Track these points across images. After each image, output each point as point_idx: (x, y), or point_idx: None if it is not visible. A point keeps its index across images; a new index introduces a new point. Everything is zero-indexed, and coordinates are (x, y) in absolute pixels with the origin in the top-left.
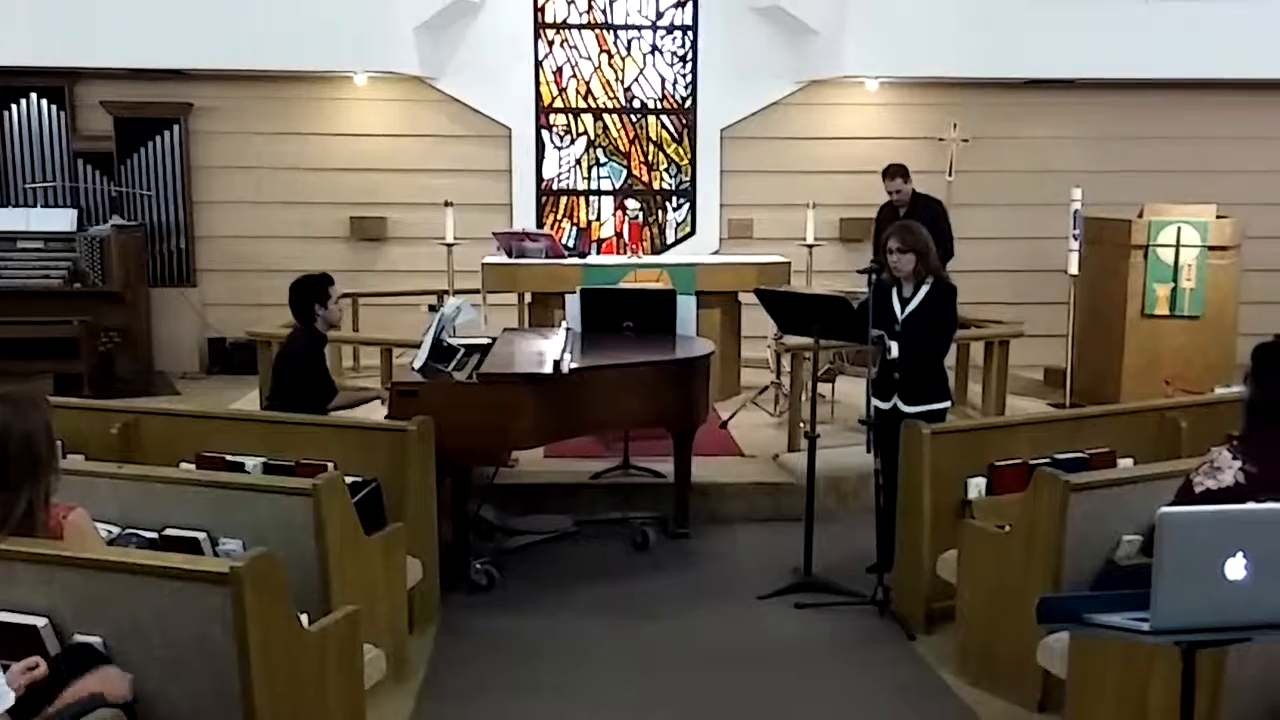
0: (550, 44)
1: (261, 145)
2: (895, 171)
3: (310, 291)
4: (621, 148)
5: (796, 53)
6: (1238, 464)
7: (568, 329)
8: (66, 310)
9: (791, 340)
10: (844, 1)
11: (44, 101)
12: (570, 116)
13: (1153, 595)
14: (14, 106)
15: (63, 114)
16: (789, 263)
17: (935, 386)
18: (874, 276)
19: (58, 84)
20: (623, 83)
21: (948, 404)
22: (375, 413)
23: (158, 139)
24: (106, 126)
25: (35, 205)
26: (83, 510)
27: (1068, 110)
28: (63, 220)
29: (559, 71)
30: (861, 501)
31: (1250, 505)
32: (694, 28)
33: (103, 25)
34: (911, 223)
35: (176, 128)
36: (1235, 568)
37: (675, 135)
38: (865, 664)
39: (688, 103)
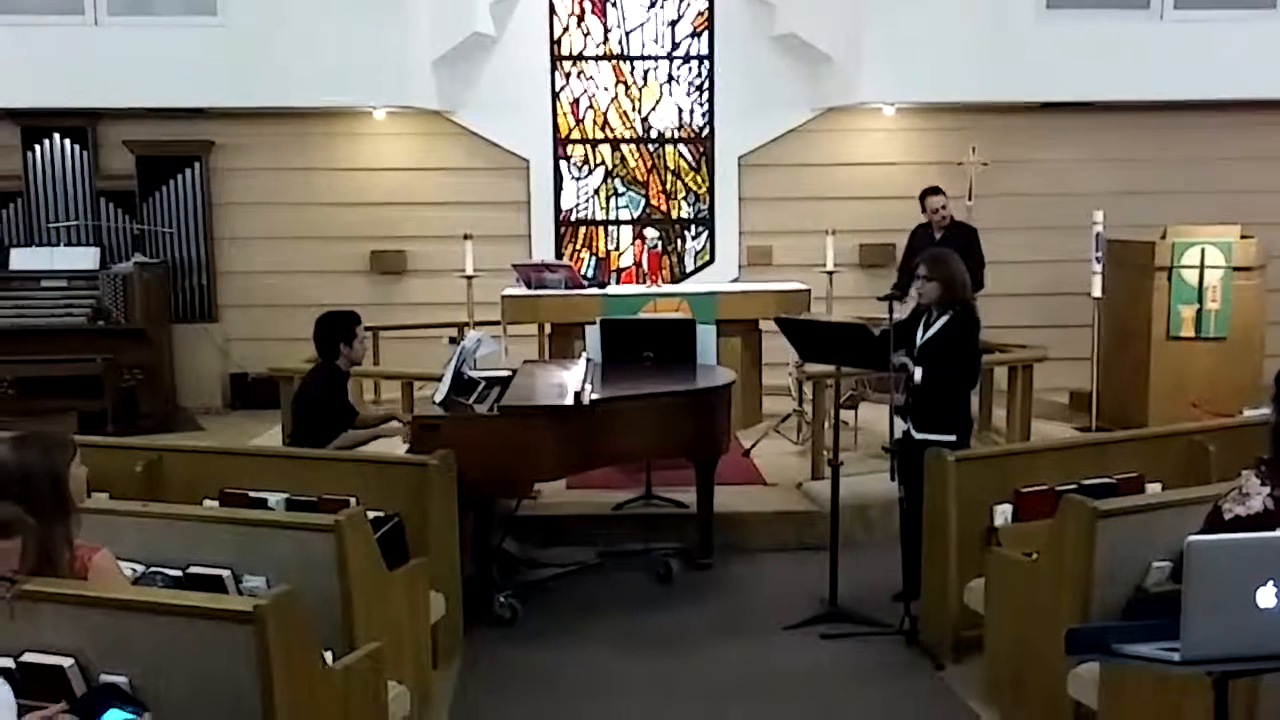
0: (567, 76)
1: (282, 181)
2: (934, 190)
3: (337, 329)
4: (639, 177)
5: (813, 80)
6: (1266, 490)
7: (588, 360)
8: (90, 348)
9: (813, 368)
10: (860, 29)
11: (67, 141)
12: (588, 147)
13: (1182, 625)
14: (38, 147)
15: (85, 154)
16: (809, 290)
17: (947, 417)
18: (894, 303)
19: (80, 124)
20: (640, 112)
21: (954, 438)
22: (396, 446)
23: (179, 177)
24: (128, 165)
25: (59, 244)
26: (107, 552)
27: (1086, 132)
28: (86, 258)
29: (576, 103)
30: (887, 529)
31: None
32: (710, 57)
33: (124, 66)
34: (944, 252)
35: (198, 165)
36: (1266, 596)
37: (693, 164)
38: (893, 695)
39: (705, 131)
